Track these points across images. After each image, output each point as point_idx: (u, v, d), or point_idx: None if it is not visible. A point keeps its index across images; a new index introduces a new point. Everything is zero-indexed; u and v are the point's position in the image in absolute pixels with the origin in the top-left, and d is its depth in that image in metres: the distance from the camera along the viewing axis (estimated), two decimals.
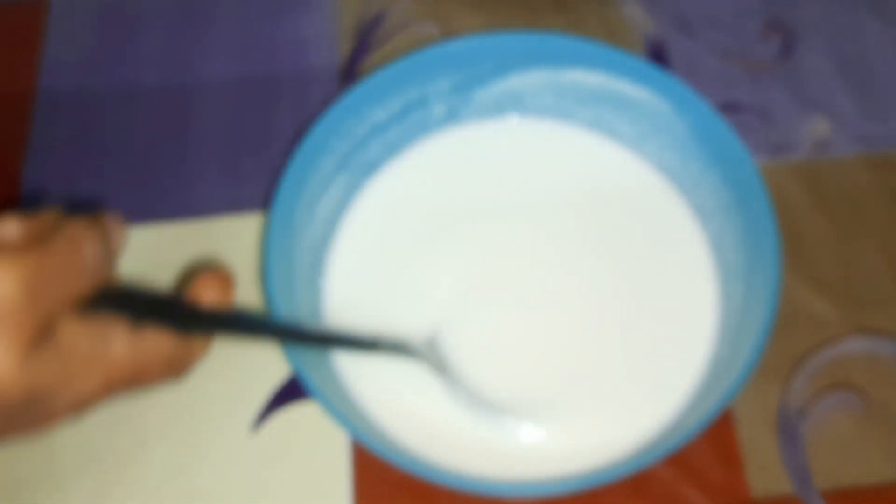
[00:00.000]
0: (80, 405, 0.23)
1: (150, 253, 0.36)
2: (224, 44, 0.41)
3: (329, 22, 0.42)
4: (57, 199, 0.38)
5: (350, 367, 0.32)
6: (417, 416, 0.31)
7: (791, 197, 0.36)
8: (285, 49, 0.41)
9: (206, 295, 0.26)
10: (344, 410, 0.29)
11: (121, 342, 0.23)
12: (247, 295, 0.35)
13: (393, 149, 0.36)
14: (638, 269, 0.33)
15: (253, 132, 0.39)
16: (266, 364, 0.33)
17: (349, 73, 0.40)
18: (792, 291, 0.34)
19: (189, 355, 0.26)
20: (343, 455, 0.32)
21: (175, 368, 0.25)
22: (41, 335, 0.21)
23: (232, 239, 0.36)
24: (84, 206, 0.38)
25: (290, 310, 0.30)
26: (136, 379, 0.24)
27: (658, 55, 0.40)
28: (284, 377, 0.33)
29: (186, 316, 0.25)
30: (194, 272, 0.28)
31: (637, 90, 0.34)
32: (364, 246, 0.34)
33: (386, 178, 0.36)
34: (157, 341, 0.24)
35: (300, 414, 0.33)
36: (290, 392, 0.33)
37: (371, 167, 0.36)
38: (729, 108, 0.38)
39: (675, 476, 0.31)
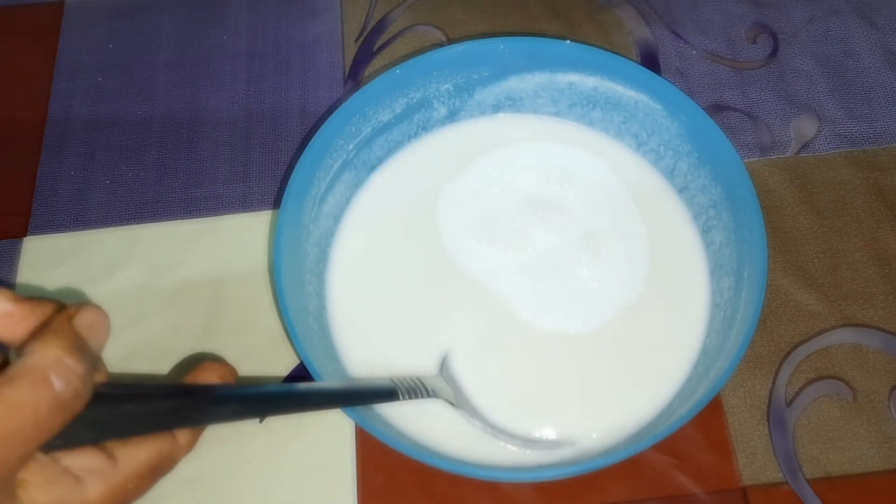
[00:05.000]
0: None
1: (166, 249, 0.37)
2: (235, 49, 0.42)
3: (335, 27, 0.42)
4: (71, 195, 0.39)
5: (355, 356, 0.32)
6: (419, 404, 0.30)
7: (778, 194, 0.37)
8: (293, 53, 0.42)
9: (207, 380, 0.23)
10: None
11: (94, 480, 0.20)
12: (257, 289, 0.35)
13: (396, 148, 0.36)
14: (632, 262, 0.34)
15: (262, 133, 0.40)
16: (275, 353, 0.34)
17: (354, 76, 0.41)
18: (780, 285, 0.34)
19: (176, 452, 0.23)
20: (347, 441, 0.32)
21: (162, 471, 0.23)
22: None
23: (244, 235, 0.37)
24: (98, 204, 0.38)
25: (298, 303, 0.31)
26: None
27: (650, 58, 0.40)
28: (292, 366, 0.34)
29: (185, 408, 0.23)
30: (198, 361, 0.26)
31: (630, 92, 0.34)
32: (367, 239, 0.35)
33: (387, 174, 0.36)
34: (138, 456, 0.21)
35: None
36: (298, 380, 0.33)
37: (375, 165, 0.36)
38: (718, 109, 0.39)
39: (668, 463, 0.31)
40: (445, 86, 0.35)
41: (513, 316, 0.33)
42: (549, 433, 0.31)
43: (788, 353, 0.33)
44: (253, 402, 0.25)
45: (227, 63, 0.42)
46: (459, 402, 0.30)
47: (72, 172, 0.39)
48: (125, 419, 0.22)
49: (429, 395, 0.29)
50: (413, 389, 0.28)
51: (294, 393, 0.27)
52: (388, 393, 0.28)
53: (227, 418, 0.24)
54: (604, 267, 0.34)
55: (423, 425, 0.30)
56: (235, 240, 0.37)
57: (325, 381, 0.28)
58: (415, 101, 0.35)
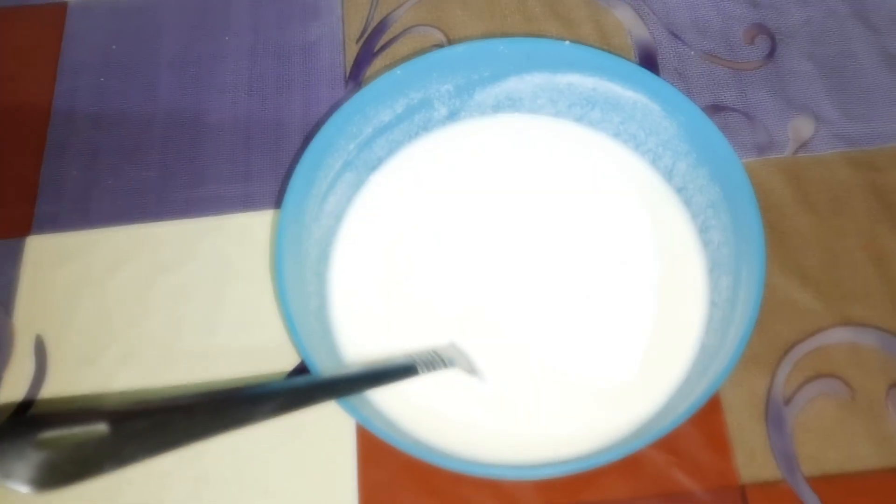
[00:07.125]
0: None
1: (168, 248, 0.37)
2: (237, 49, 0.42)
3: (336, 28, 0.42)
4: (74, 194, 0.39)
5: (356, 355, 0.32)
6: (420, 402, 0.31)
7: (776, 193, 0.37)
8: (295, 54, 0.42)
9: None
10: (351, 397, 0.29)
11: None
12: (259, 288, 0.35)
13: (397, 147, 0.36)
14: (631, 263, 0.34)
15: (264, 133, 0.40)
16: (276, 352, 0.34)
17: (355, 77, 0.41)
18: (777, 284, 0.34)
19: None
20: (348, 438, 0.32)
21: None
22: None
23: (245, 235, 0.37)
24: (101, 203, 0.39)
25: (300, 303, 0.31)
26: None
27: (648, 59, 0.41)
28: (294, 364, 0.34)
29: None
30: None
31: (629, 92, 0.34)
32: (368, 238, 0.35)
33: (388, 174, 0.36)
34: None
35: None
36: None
37: (376, 165, 0.36)
38: (716, 109, 0.39)
39: (666, 461, 0.31)
40: (446, 86, 0.36)
41: (513, 318, 0.33)
42: (549, 430, 0.31)
43: (786, 351, 0.33)
44: (287, 397, 0.25)
45: (229, 63, 0.42)
46: (475, 374, 0.31)
47: (75, 172, 0.39)
48: (170, 431, 0.22)
49: (446, 366, 0.30)
50: (431, 362, 0.29)
51: (324, 383, 0.27)
52: (407, 369, 0.28)
53: (264, 417, 0.25)
54: (603, 263, 0.34)
55: (423, 423, 0.31)
56: (237, 239, 0.37)
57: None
58: (415, 101, 0.35)
